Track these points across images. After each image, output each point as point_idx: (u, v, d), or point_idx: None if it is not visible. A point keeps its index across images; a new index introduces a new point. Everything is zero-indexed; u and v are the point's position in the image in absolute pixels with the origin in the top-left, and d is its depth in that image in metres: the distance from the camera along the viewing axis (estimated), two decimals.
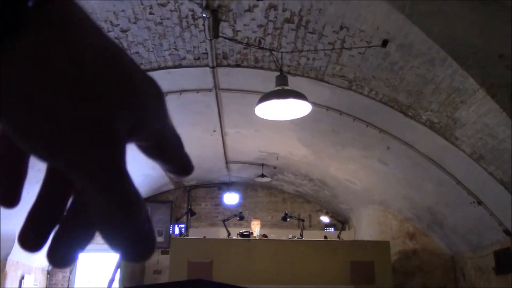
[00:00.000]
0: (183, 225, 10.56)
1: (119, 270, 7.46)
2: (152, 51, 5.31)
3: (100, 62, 0.27)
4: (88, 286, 10.14)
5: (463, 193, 6.25)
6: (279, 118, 5.20)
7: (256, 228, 8.31)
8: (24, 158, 0.31)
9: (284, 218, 8.80)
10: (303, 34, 5.01)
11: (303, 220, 9.16)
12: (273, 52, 5.28)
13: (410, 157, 6.51)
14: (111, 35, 4.86)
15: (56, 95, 0.25)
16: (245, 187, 11.35)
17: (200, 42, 5.22)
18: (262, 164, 9.67)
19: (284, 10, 4.72)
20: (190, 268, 6.99)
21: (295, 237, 7.98)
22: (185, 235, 9.58)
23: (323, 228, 10.81)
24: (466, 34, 4.37)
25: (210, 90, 6.18)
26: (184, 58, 5.51)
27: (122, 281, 8.33)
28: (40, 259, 8.70)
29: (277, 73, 4.98)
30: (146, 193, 10.34)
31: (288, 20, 4.85)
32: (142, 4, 4.59)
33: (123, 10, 4.63)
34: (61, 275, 9.85)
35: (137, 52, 5.25)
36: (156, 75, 5.48)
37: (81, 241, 0.31)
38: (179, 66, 5.60)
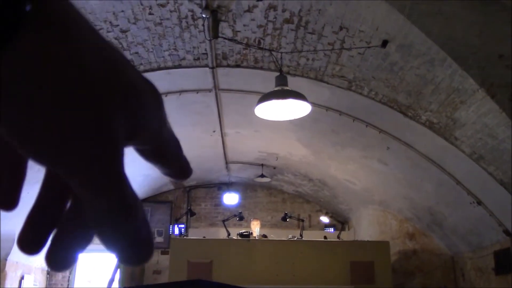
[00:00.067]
0: (182, 225, 10.55)
1: (118, 270, 7.45)
2: (151, 52, 5.31)
3: (99, 63, 0.27)
4: (88, 286, 10.14)
5: (463, 193, 6.25)
6: (278, 118, 5.20)
7: (255, 228, 8.31)
8: (23, 160, 0.31)
9: (284, 218, 8.80)
10: (303, 35, 5.01)
11: (302, 220, 9.16)
12: (273, 53, 5.28)
13: (410, 157, 6.51)
14: (111, 35, 4.86)
15: (56, 95, 0.25)
16: (245, 187, 11.35)
17: (200, 43, 5.22)
18: (262, 165, 9.67)
19: (283, 11, 4.72)
20: (190, 268, 6.99)
21: (295, 237, 7.98)
22: (184, 235, 9.58)
23: (322, 228, 10.81)
24: (466, 34, 4.37)
25: (209, 90, 6.18)
26: (184, 59, 5.51)
27: (121, 281, 8.32)
28: (39, 259, 8.69)
29: (277, 74, 4.99)
30: (146, 193, 10.34)
31: (288, 21, 4.85)
32: (141, 4, 4.59)
33: (122, 11, 4.63)
34: (60, 275, 9.85)
35: (136, 53, 5.25)
36: (155, 76, 5.48)
37: (79, 243, 0.31)
38: (179, 66, 5.60)
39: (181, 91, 6.12)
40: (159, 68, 5.56)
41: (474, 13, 4.31)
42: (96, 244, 0.33)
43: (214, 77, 5.85)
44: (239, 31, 5.07)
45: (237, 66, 5.66)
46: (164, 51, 5.34)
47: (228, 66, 5.66)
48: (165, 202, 11.09)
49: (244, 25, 4.98)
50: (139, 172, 8.27)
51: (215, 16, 4.75)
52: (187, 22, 4.90)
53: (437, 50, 4.48)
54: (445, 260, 8.23)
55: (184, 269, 6.94)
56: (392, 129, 6.20)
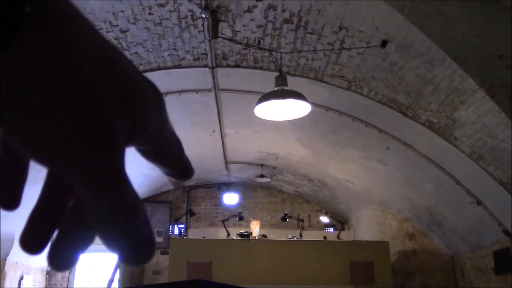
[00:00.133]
0: (182, 226, 10.55)
1: (118, 270, 7.45)
2: (151, 52, 5.31)
3: (99, 63, 0.27)
4: (88, 286, 10.13)
5: (462, 193, 6.25)
6: (278, 118, 5.20)
7: (255, 229, 8.31)
8: (24, 160, 0.31)
9: (284, 219, 8.80)
10: (303, 35, 5.02)
11: (302, 220, 9.16)
12: (273, 53, 5.28)
13: (410, 157, 6.51)
14: (110, 35, 4.85)
15: (56, 95, 0.25)
16: (245, 187, 11.35)
17: (200, 43, 5.22)
18: (262, 165, 9.67)
19: (283, 11, 4.72)
20: (190, 268, 6.99)
21: (295, 237, 7.98)
22: (184, 236, 9.58)
23: (322, 228, 10.81)
24: (465, 34, 4.37)
25: (209, 90, 6.18)
26: (184, 59, 5.51)
27: (121, 281, 8.32)
28: (39, 259, 8.70)
29: (277, 74, 4.99)
30: (145, 193, 10.34)
31: (287, 21, 4.85)
32: (141, 4, 4.59)
33: (122, 11, 4.63)
34: (60, 275, 9.85)
35: (136, 53, 5.25)
36: (155, 76, 5.48)
37: (81, 243, 0.31)
38: (179, 66, 5.60)
39: (180, 91, 6.12)
40: (159, 68, 5.56)
41: (474, 13, 4.32)
42: (95, 244, 0.33)
43: (213, 77, 5.86)
44: (238, 31, 5.07)
45: (237, 66, 5.66)
46: (163, 51, 5.34)
47: (228, 66, 5.66)
48: (165, 202, 11.09)
49: (244, 25, 4.98)
50: (139, 172, 8.27)
51: (215, 16, 4.75)
52: (186, 22, 4.90)
53: (437, 50, 4.48)
54: (444, 260, 8.23)
55: (184, 269, 6.94)
56: (392, 129, 6.20)
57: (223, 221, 8.41)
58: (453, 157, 5.76)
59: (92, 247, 0.33)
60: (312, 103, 5.04)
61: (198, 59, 5.53)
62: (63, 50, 0.25)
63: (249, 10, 4.76)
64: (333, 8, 4.54)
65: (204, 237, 8.29)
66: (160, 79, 5.57)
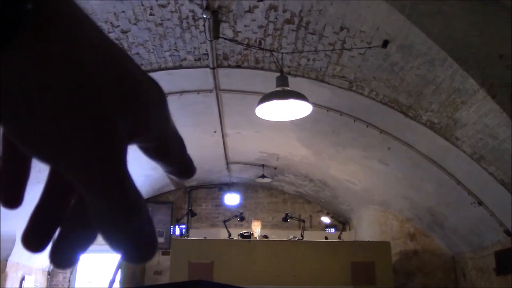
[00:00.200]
0: (183, 226, 10.56)
1: (119, 270, 7.46)
2: (152, 52, 5.31)
3: (100, 62, 0.27)
4: (89, 286, 10.14)
5: (463, 194, 6.25)
6: (279, 118, 5.20)
7: (256, 229, 8.31)
8: (27, 159, 0.31)
9: (285, 219, 8.80)
10: (304, 35, 5.02)
11: (303, 221, 9.16)
12: (274, 53, 5.28)
13: (411, 158, 6.51)
14: (112, 36, 4.86)
15: (56, 95, 0.25)
16: (246, 188, 11.35)
17: (201, 43, 5.22)
18: (263, 165, 9.67)
19: (284, 11, 4.72)
20: (191, 269, 6.99)
21: (296, 237, 7.98)
22: (185, 236, 9.58)
23: (323, 228, 10.80)
24: (466, 34, 4.37)
25: (210, 91, 6.18)
26: (185, 59, 5.51)
27: (122, 282, 8.33)
28: (40, 260, 8.70)
29: (278, 74, 4.98)
30: (147, 193, 10.35)
31: (289, 21, 4.85)
32: (142, 5, 4.59)
33: (123, 11, 4.63)
34: (61, 275, 9.86)
35: (137, 53, 5.25)
36: (156, 76, 5.47)
37: (83, 242, 0.31)
38: (180, 67, 5.60)
39: (182, 92, 6.12)
40: (160, 69, 5.57)
41: (474, 13, 4.32)
42: (97, 244, 0.33)
43: (215, 77, 5.86)
44: (240, 32, 5.08)
45: (238, 66, 5.66)
46: (165, 51, 5.34)
47: (229, 66, 5.66)
48: (166, 202, 11.09)
49: (245, 26, 4.98)
50: (140, 172, 8.27)
51: (216, 16, 4.75)
52: (188, 23, 4.91)
53: (438, 50, 4.48)
54: (446, 261, 8.23)
55: (185, 270, 6.94)
56: (393, 129, 6.20)
57: (224, 221, 8.41)
58: (454, 157, 5.76)
59: (93, 247, 0.33)
60: (313, 104, 5.03)
61: (199, 59, 5.53)
62: (63, 50, 0.25)
63: (250, 11, 4.76)
64: (334, 9, 4.54)
65: (205, 237, 8.29)
66: (161, 80, 5.51)
